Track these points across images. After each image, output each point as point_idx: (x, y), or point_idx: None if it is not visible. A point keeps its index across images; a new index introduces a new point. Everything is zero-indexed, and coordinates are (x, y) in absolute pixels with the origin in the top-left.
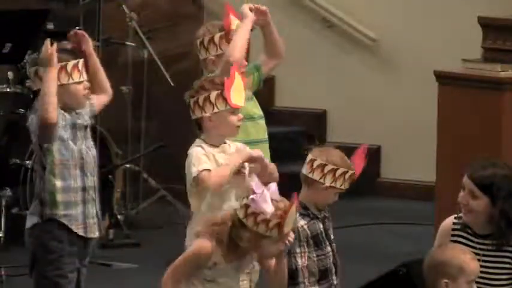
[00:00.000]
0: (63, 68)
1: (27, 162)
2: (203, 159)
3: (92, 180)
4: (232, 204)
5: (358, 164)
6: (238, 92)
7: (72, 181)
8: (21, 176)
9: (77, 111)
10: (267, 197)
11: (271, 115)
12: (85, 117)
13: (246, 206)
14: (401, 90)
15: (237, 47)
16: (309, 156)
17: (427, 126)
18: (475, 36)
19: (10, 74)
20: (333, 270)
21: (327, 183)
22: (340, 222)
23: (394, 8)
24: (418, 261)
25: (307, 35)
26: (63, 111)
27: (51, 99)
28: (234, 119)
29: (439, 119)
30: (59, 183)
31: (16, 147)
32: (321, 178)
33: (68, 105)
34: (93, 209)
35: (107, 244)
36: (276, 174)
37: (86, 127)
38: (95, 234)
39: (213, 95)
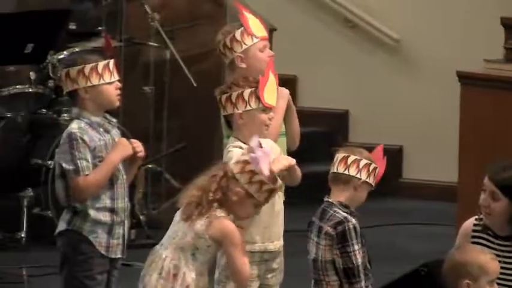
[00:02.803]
0: (93, 69)
1: (49, 162)
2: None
3: (123, 202)
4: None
5: (380, 164)
6: (271, 92)
7: (101, 201)
8: (43, 176)
9: (110, 127)
10: (268, 157)
11: None
12: (115, 138)
13: (245, 163)
14: (423, 90)
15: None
16: (340, 155)
17: (449, 127)
18: (497, 37)
19: (32, 74)
20: (370, 267)
21: (363, 178)
22: (362, 222)
23: (416, 9)
24: (439, 262)
25: (329, 35)
26: (93, 133)
27: (99, 188)
28: (264, 117)
29: (461, 120)
30: (90, 201)
31: (38, 148)
32: (357, 173)
33: (100, 106)
34: (120, 230)
35: (128, 244)
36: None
37: None
38: (117, 255)
39: (247, 92)
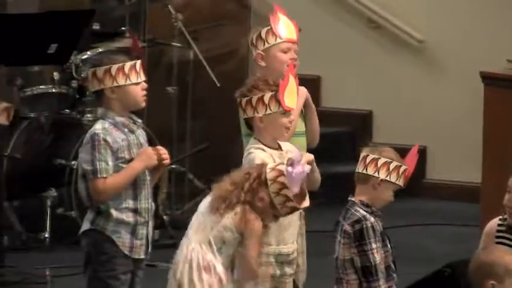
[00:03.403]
0: (120, 69)
1: (72, 162)
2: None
3: (146, 203)
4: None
5: (410, 163)
6: (291, 95)
7: (124, 202)
8: (66, 176)
9: (135, 127)
10: (302, 177)
11: (317, 115)
12: (140, 139)
13: (280, 173)
14: (447, 90)
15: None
16: (362, 154)
17: (472, 127)
18: None
19: (56, 75)
20: (393, 267)
21: (382, 177)
22: (386, 223)
23: (440, 9)
24: (463, 262)
25: (352, 35)
26: (117, 133)
27: (117, 192)
28: (284, 120)
29: (484, 120)
30: (111, 201)
31: (61, 148)
32: (375, 172)
33: (126, 106)
34: (144, 230)
35: (152, 245)
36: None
37: (140, 145)
38: (140, 256)
39: (267, 96)
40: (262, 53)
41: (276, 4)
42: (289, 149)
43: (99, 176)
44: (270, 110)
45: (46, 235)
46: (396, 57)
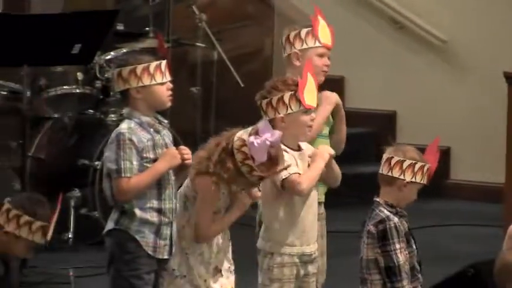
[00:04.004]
0: (145, 69)
1: (96, 163)
2: (291, 166)
3: (171, 203)
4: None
5: (432, 159)
6: (311, 93)
7: (148, 202)
8: (90, 176)
9: (160, 128)
10: (265, 147)
11: None
12: (165, 139)
13: (244, 143)
14: (470, 91)
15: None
16: (385, 156)
17: (496, 127)
18: None
19: (79, 75)
20: (418, 268)
21: (407, 179)
22: (410, 223)
23: (463, 9)
24: (486, 263)
25: (376, 36)
26: (142, 133)
27: (141, 192)
28: (306, 119)
29: (508, 120)
30: (135, 200)
31: (85, 148)
32: (400, 175)
33: (151, 106)
34: (168, 231)
35: None
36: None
37: (166, 145)
38: (164, 256)
39: (287, 96)
40: (298, 52)
41: (316, 6)
42: (309, 148)
43: (123, 175)
44: (291, 109)
45: (69, 235)
46: (420, 58)
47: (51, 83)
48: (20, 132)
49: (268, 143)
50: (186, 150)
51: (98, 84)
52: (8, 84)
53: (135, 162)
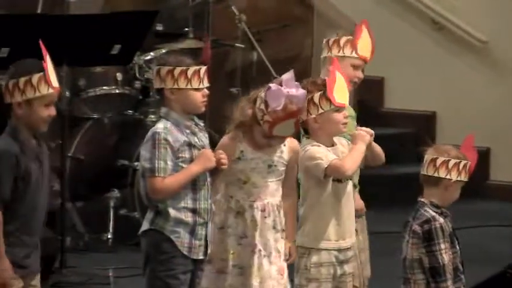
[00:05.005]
0: (183, 73)
1: (135, 163)
2: (329, 154)
3: (206, 203)
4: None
5: (471, 155)
6: (342, 91)
7: (183, 202)
8: (129, 177)
9: (197, 130)
10: (281, 95)
11: (381, 116)
12: (203, 139)
13: (265, 89)
14: (510, 91)
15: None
16: (428, 156)
17: None
18: None
19: (119, 75)
20: (461, 269)
21: (454, 178)
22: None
23: (504, 10)
24: None
25: (416, 37)
26: (178, 133)
27: (174, 193)
28: (339, 116)
29: None
30: (169, 200)
31: (124, 149)
32: (447, 175)
33: (184, 109)
34: (203, 231)
35: None
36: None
37: (202, 147)
38: (199, 256)
39: (316, 96)
40: (333, 57)
41: (365, 20)
42: (342, 142)
43: (156, 174)
44: (322, 109)
45: (109, 236)
46: (459, 58)
47: (90, 83)
48: (60, 133)
49: (286, 93)
50: (223, 155)
51: (137, 84)
52: None
53: (169, 162)
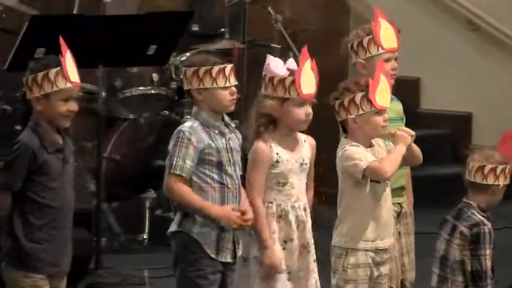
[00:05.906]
0: (208, 72)
1: None
2: (368, 155)
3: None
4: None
5: (510, 151)
6: (384, 94)
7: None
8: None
9: (227, 131)
10: (279, 63)
11: (417, 117)
12: (232, 143)
13: (264, 77)
14: None
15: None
16: (475, 163)
17: None
18: None
19: (155, 76)
20: (492, 274)
21: (502, 183)
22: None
23: None
24: None
25: (451, 37)
26: (204, 134)
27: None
28: (379, 119)
29: None
30: None
31: (160, 149)
32: (495, 181)
33: (213, 109)
34: (230, 235)
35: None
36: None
37: (237, 152)
38: (227, 259)
39: (358, 96)
40: (363, 61)
41: (377, 8)
42: (379, 143)
43: (172, 171)
44: (362, 110)
45: (145, 236)
46: (495, 59)
47: (126, 83)
48: (95, 133)
49: (280, 61)
50: (248, 216)
51: (173, 85)
52: (83, 85)
53: (188, 162)
